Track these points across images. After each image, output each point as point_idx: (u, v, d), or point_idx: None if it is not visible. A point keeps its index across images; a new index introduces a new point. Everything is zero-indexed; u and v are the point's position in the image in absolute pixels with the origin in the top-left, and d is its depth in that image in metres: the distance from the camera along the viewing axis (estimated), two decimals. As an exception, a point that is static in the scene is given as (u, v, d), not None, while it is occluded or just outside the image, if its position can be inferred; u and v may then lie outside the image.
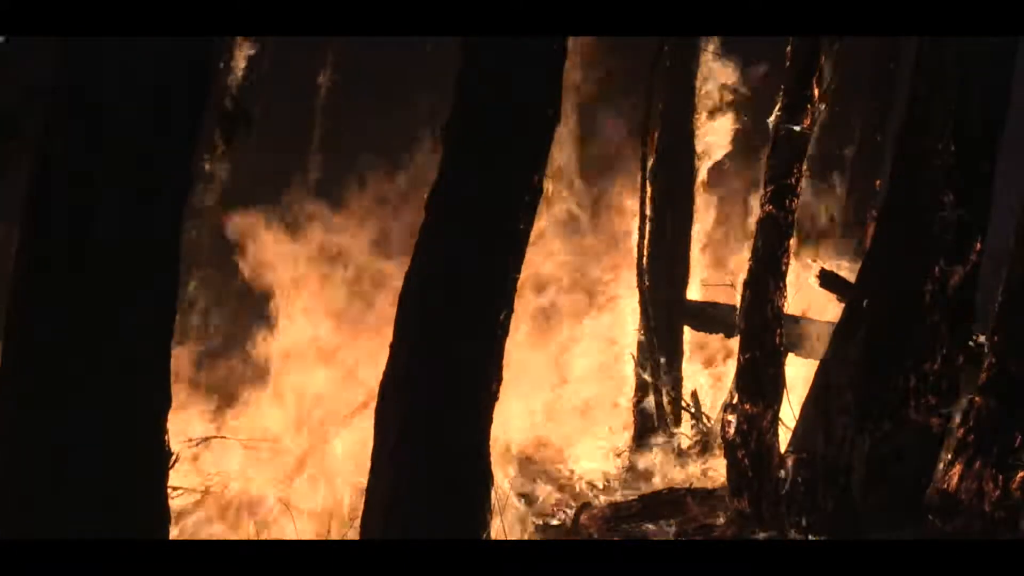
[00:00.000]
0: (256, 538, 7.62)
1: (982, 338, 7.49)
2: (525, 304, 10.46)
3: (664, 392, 10.25)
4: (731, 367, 8.07)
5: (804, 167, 7.41)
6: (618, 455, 10.23)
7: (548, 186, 6.63)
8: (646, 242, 10.29)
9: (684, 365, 10.78)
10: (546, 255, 11.59)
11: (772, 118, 7.43)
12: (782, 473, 7.18)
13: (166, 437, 5.35)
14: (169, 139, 5.13)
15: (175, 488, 7.22)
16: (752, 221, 8.39)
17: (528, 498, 8.74)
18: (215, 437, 9.55)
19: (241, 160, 12.25)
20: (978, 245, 7.03)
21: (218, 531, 7.85)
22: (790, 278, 7.46)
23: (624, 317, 11.07)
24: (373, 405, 6.46)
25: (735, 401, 7.29)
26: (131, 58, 4.96)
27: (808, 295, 10.27)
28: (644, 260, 10.27)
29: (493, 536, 6.52)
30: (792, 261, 7.52)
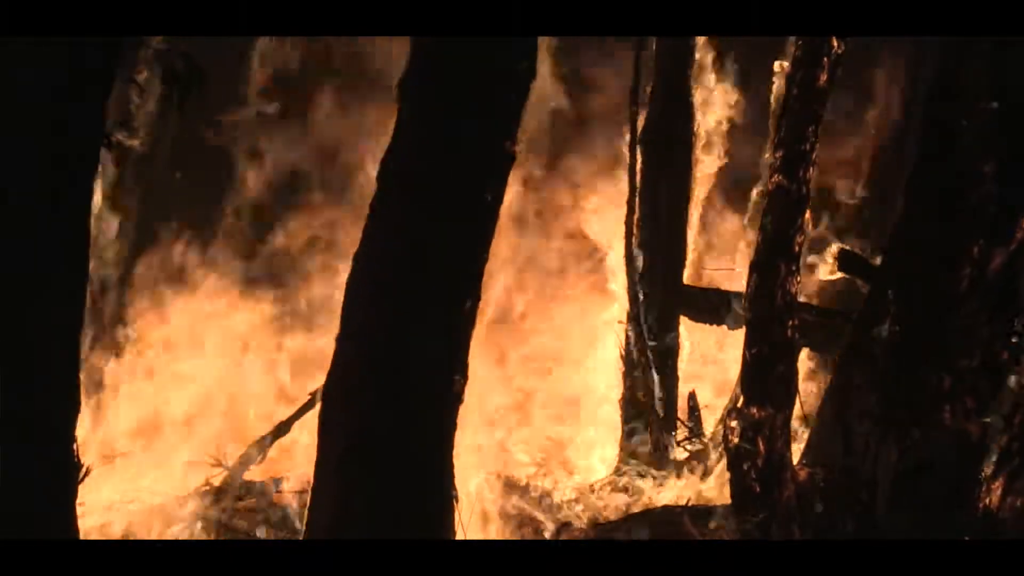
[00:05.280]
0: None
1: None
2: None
3: (657, 393, 10.20)
4: (735, 364, 8.05)
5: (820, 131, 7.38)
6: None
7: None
8: (636, 218, 10.23)
9: (680, 362, 10.73)
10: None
11: (781, 72, 7.41)
12: (794, 488, 7.15)
13: (75, 446, 5.32)
14: (76, 127, 5.12)
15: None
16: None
17: (499, 516, 8.72)
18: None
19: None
20: (1023, 222, 7.05)
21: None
22: (804, 260, 7.45)
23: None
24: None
25: (740, 404, 7.32)
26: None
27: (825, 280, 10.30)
28: (634, 240, 10.22)
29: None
30: (806, 240, 7.49)
